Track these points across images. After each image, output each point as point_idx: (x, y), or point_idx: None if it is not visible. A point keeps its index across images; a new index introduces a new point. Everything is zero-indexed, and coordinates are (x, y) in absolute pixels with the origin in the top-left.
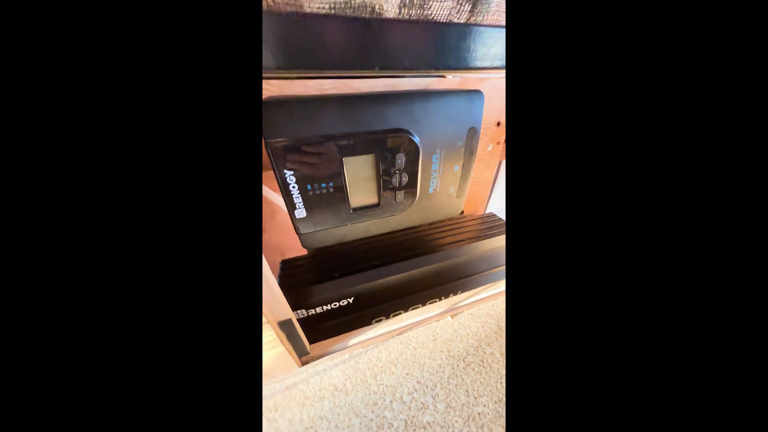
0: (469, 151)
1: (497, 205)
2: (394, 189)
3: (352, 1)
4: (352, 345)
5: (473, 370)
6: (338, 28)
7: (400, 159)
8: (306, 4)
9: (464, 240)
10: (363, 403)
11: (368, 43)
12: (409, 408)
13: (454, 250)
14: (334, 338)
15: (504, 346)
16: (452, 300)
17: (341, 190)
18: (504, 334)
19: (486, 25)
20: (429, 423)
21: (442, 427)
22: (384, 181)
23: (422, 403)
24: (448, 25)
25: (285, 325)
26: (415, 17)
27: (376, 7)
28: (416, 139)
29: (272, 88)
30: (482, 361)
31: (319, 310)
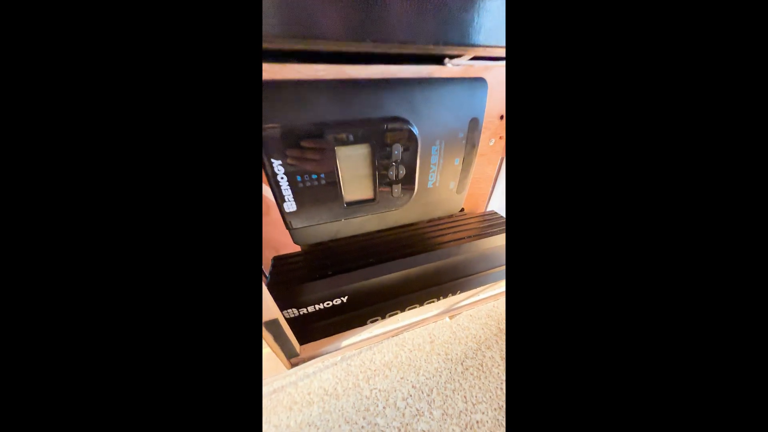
0: (471, 143)
1: (499, 203)
2: (391, 183)
3: None
4: (345, 346)
5: (472, 374)
6: None
7: (397, 150)
8: None
9: (464, 238)
10: (354, 409)
11: (359, 13)
12: (403, 415)
13: (453, 248)
14: (326, 339)
15: (504, 349)
16: (451, 300)
17: (334, 183)
18: (504, 337)
19: None
20: (424, 431)
21: None
22: (380, 174)
23: (417, 410)
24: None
25: (271, 326)
26: None
27: None
28: (414, 130)
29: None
30: (481, 365)
31: (311, 309)
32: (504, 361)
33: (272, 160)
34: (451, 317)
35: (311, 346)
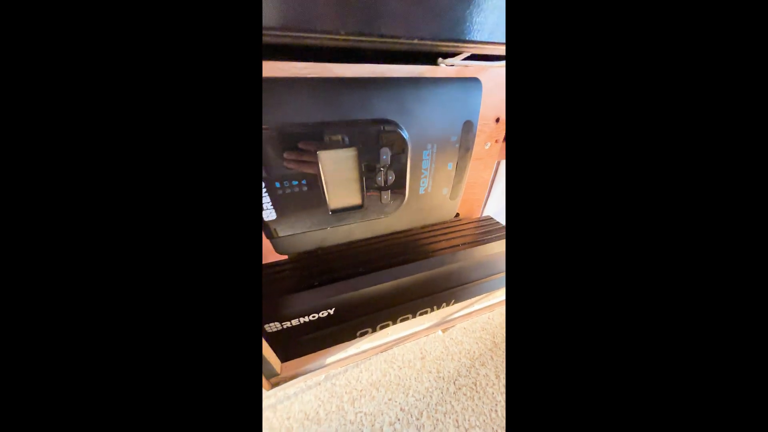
0: (465, 147)
1: (495, 208)
2: (380, 188)
3: None
4: (330, 363)
5: (464, 395)
6: None
7: (386, 155)
8: None
9: (459, 245)
10: None
11: (356, 7)
12: None
13: (447, 256)
14: (309, 356)
15: (499, 366)
16: (444, 312)
17: (317, 189)
18: (500, 352)
19: None
20: None
21: None
22: (368, 179)
23: None
24: None
25: None
26: None
27: None
28: (404, 133)
29: None
30: (475, 384)
31: (295, 322)
32: (499, 379)
33: None
34: (443, 330)
35: (293, 364)
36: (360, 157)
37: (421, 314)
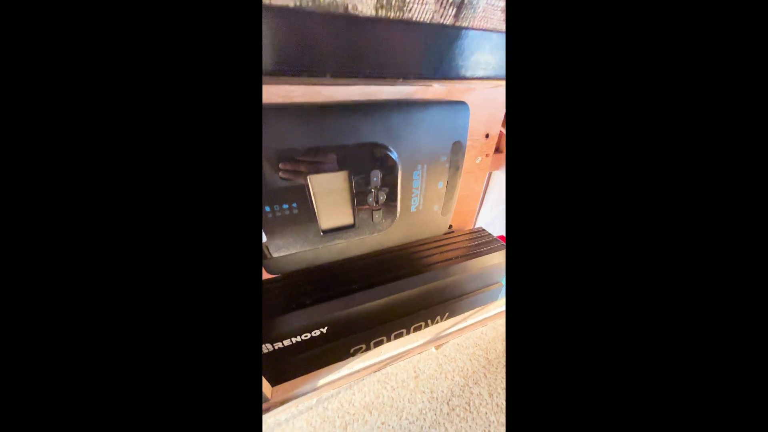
0: (455, 166)
1: (488, 217)
2: (371, 209)
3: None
4: (322, 386)
5: (458, 416)
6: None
7: (376, 176)
8: None
9: (451, 259)
10: None
11: (320, 45)
12: None
13: (440, 270)
14: (301, 378)
15: (492, 385)
16: (437, 328)
17: (308, 212)
18: (493, 369)
19: (470, 28)
20: None
21: None
22: (359, 199)
23: None
24: (425, 28)
25: None
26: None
27: (349, 6)
28: (394, 155)
29: None
30: (468, 404)
31: (286, 342)
32: (492, 398)
33: None
34: (437, 347)
35: (284, 388)
36: (351, 180)
37: (415, 329)
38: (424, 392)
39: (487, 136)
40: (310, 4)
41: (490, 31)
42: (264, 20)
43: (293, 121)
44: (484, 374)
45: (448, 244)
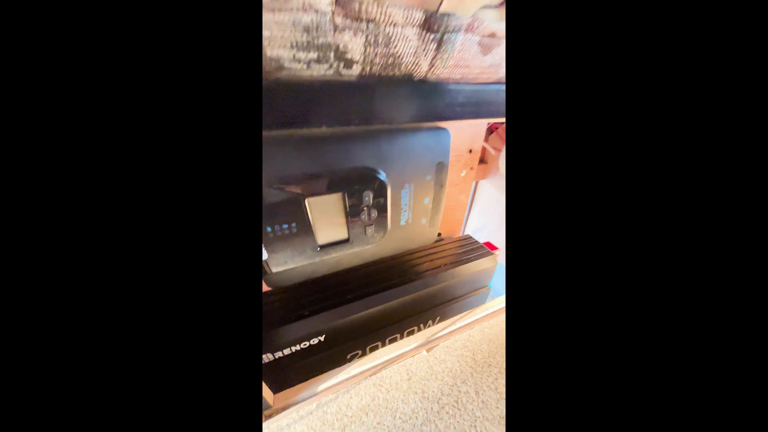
0: (439, 184)
1: (476, 223)
2: (364, 225)
3: (316, 40)
4: (321, 391)
5: (447, 413)
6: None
7: (368, 196)
8: (266, 46)
9: (441, 267)
10: None
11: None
12: None
13: (431, 278)
14: (301, 385)
15: (478, 383)
16: (428, 332)
17: (306, 230)
18: (479, 368)
19: (447, 81)
20: None
21: None
22: (353, 217)
23: None
24: (407, 84)
25: None
26: (380, 56)
27: (341, 46)
28: (382, 176)
29: None
30: (456, 402)
31: (286, 351)
32: (478, 395)
33: None
34: (428, 350)
35: (286, 394)
36: (345, 200)
37: (408, 333)
38: (416, 393)
39: (470, 151)
40: (305, 74)
41: (464, 83)
42: (264, 92)
43: (291, 150)
44: (471, 374)
45: (437, 252)
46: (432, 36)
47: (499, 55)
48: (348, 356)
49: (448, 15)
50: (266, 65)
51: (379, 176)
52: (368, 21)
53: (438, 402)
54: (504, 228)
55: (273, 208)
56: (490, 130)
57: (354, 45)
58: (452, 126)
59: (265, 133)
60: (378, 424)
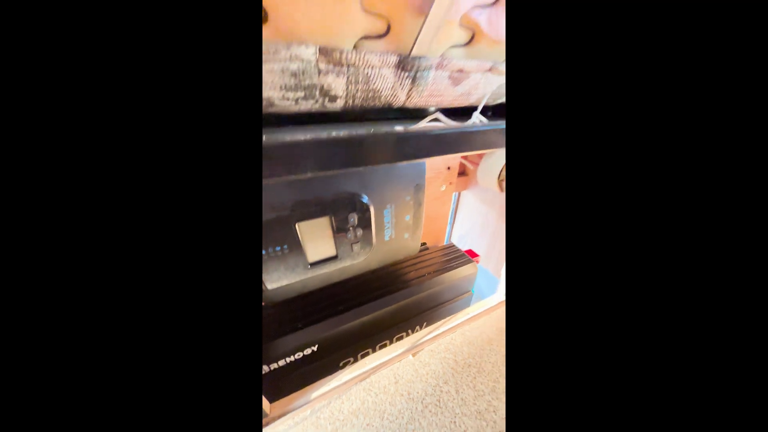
0: (417, 203)
1: (461, 230)
2: (351, 242)
3: (303, 82)
4: (315, 398)
5: (430, 411)
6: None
7: (353, 218)
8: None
9: (425, 275)
10: None
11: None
12: None
13: (416, 286)
14: (296, 393)
15: (459, 382)
16: (414, 337)
17: (298, 250)
18: (460, 369)
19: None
20: None
21: None
22: (339, 236)
23: None
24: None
25: None
26: (361, 91)
27: (325, 85)
28: (365, 200)
29: None
30: (438, 402)
31: (282, 362)
32: (458, 393)
33: None
34: (413, 355)
35: (282, 403)
36: (332, 222)
37: (397, 339)
38: (402, 395)
39: (448, 168)
40: (294, 87)
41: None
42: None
43: (282, 181)
44: (452, 374)
45: (422, 261)
46: (406, 74)
47: (468, 85)
48: (341, 363)
49: (419, 57)
50: None
51: (362, 200)
52: (348, 65)
53: (422, 402)
54: (485, 235)
55: (266, 232)
56: None
57: (337, 84)
58: None
59: None
60: (367, 425)
